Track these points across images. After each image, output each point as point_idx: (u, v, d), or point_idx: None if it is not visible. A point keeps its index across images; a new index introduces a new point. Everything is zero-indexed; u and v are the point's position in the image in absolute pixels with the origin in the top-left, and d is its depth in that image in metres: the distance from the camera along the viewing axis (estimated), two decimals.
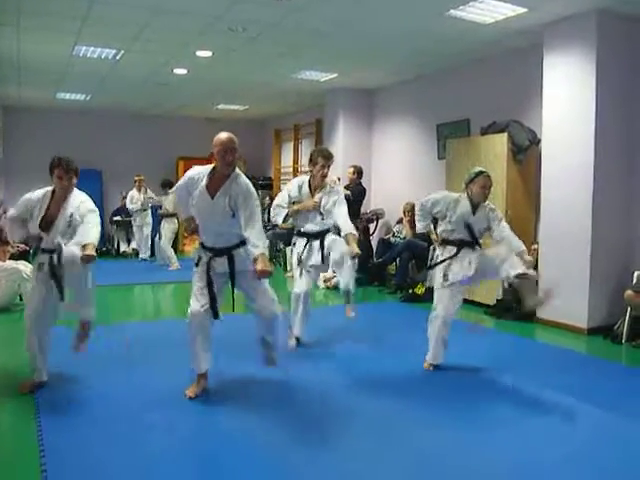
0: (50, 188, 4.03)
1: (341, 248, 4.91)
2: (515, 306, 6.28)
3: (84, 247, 3.79)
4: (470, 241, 4.46)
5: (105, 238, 11.97)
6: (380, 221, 9.31)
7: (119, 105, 11.70)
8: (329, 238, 5.04)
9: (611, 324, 5.61)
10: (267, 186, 13.30)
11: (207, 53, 7.46)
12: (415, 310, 6.80)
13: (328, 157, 5.02)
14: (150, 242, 10.99)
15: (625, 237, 5.91)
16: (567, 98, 5.86)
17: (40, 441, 3.17)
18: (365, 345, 5.28)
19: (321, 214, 4.98)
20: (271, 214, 5.15)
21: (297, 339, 5.08)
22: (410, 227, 8.43)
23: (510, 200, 6.59)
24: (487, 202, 4.50)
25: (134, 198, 10.84)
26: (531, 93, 6.67)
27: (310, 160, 5.07)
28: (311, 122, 11.56)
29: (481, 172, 4.45)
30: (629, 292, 5.38)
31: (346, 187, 8.46)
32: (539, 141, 6.49)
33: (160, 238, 10.33)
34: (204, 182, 3.83)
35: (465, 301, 7.14)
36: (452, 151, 7.58)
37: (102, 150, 12.26)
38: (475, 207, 4.46)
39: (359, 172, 8.47)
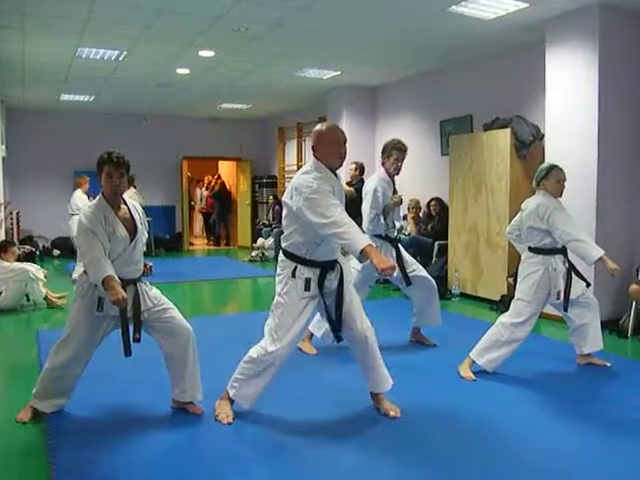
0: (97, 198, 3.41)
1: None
2: None
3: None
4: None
5: None
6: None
7: (123, 106, 11.74)
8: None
9: (617, 318, 5.62)
10: (272, 184, 13.37)
11: (210, 53, 7.48)
12: None
13: (404, 150, 4.79)
14: None
15: (630, 232, 5.91)
16: (570, 93, 5.85)
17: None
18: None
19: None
20: (371, 223, 4.91)
21: (311, 335, 4.90)
22: (415, 223, 8.43)
23: (514, 196, 6.52)
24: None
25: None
26: (534, 88, 6.66)
27: (383, 152, 4.85)
28: (314, 120, 11.52)
29: (553, 166, 4.31)
30: (634, 286, 5.38)
31: (348, 184, 8.46)
32: (543, 136, 6.48)
33: None
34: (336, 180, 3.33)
35: (469, 297, 7.25)
36: (455, 147, 7.58)
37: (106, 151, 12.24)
38: None
39: (361, 168, 8.43)
